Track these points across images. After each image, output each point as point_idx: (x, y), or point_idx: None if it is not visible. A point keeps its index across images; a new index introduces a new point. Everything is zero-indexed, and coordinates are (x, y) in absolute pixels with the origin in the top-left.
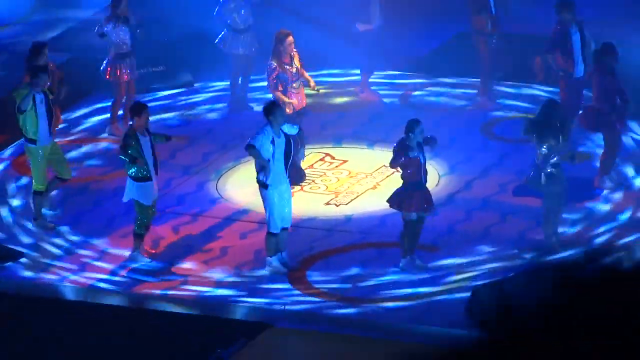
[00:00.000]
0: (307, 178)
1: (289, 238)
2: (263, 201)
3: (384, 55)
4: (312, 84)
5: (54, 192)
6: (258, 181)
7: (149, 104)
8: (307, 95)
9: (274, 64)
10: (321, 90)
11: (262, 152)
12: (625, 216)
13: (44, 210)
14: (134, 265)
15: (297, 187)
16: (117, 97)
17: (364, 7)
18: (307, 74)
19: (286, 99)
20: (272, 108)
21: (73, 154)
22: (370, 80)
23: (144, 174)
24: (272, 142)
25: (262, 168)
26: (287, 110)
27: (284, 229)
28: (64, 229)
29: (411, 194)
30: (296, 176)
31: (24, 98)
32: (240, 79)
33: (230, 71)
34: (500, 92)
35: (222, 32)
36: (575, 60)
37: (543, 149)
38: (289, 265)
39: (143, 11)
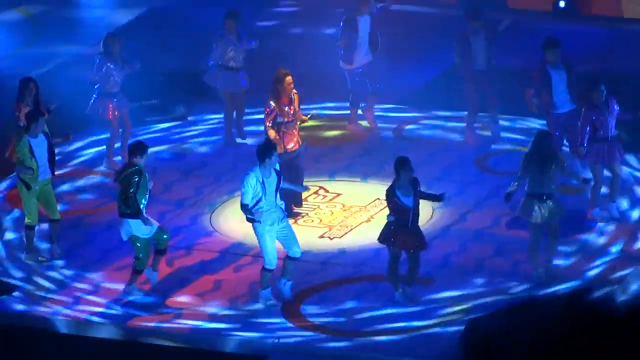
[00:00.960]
0: (300, 211)
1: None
2: (256, 236)
3: (369, 91)
4: (303, 117)
5: (46, 225)
6: (248, 220)
7: (143, 137)
8: (301, 128)
9: (273, 104)
10: (314, 112)
11: (252, 195)
12: (617, 249)
13: (40, 243)
14: (129, 299)
15: (290, 220)
16: (112, 132)
17: (350, 49)
18: (300, 113)
19: (278, 138)
20: (267, 150)
21: (66, 187)
22: (359, 113)
23: (135, 209)
24: (262, 183)
25: (248, 214)
26: (278, 150)
27: (292, 259)
28: (58, 262)
29: (396, 231)
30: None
31: (24, 154)
32: (234, 114)
33: (223, 105)
34: (493, 125)
35: (209, 67)
36: (553, 97)
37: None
38: (287, 297)
39: (137, 44)
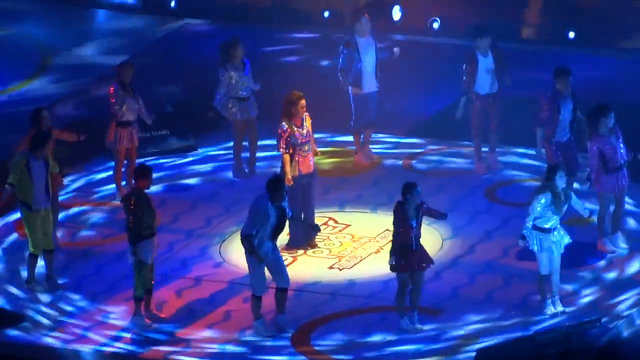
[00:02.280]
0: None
1: (293, 302)
2: (248, 265)
3: (367, 123)
4: (314, 148)
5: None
6: (250, 252)
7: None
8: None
9: (286, 125)
10: (319, 153)
11: (260, 225)
12: (627, 278)
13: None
14: (136, 329)
15: (300, 251)
16: (118, 163)
17: (356, 73)
18: (313, 141)
19: (289, 169)
20: (276, 185)
21: (75, 217)
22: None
23: (145, 232)
24: (269, 214)
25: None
26: (294, 172)
27: (281, 290)
28: (68, 293)
29: (402, 255)
30: (309, 232)
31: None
32: (248, 143)
33: (233, 135)
34: (504, 155)
35: (218, 96)
36: (557, 127)
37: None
38: (285, 329)
39: (147, 73)
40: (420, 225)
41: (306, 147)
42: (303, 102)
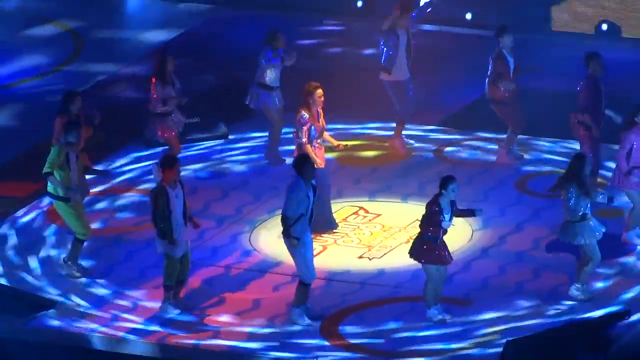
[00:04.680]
0: (340, 231)
1: (322, 291)
2: (292, 255)
3: (412, 106)
4: (335, 143)
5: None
6: (288, 235)
7: (183, 155)
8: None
9: (307, 115)
10: (348, 144)
11: (299, 207)
12: None
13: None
14: (166, 316)
15: (330, 240)
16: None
17: (390, 61)
18: (327, 134)
19: (314, 156)
20: (304, 162)
21: (105, 204)
22: (404, 133)
23: (160, 229)
24: (307, 195)
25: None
26: (319, 165)
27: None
28: (98, 279)
29: (430, 247)
30: (325, 224)
31: (55, 158)
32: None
33: (269, 124)
34: (534, 146)
35: (251, 90)
36: (601, 117)
37: (569, 201)
38: (315, 315)
39: (178, 61)
40: (450, 221)
41: (320, 140)
42: (320, 91)
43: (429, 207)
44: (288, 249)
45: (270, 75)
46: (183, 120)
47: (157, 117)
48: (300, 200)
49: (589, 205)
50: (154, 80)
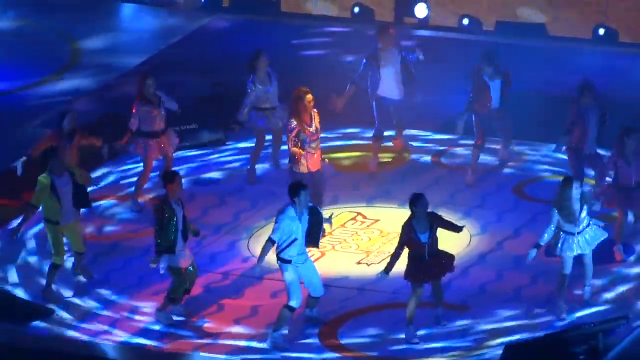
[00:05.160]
0: (338, 236)
1: (321, 297)
2: (283, 276)
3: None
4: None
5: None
6: (280, 258)
7: (180, 162)
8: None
9: (295, 122)
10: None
11: (288, 232)
12: None
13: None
14: (158, 324)
15: (328, 246)
16: (145, 170)
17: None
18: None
19: (302, 152)
20: (298, 189)
21: (103, 211)
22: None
23: (172, 243)
24: (300, 220)
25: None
26: (302, 169)
27: (314, 298)
28: (95, 286)
29: (417, 266)
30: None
31: (39, 192)
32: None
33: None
34: (532, 151)
35: (245, 108)
36: (587, 138)
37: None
38: (321, 320)
39: (177, 68)
40: (434, 239)
41: (314, 145)
42: (309, 97)
43: (403, 229)
44: (280, 270)
45: (265, 99)
46: (176, 142)
47: (140, 135)
48: (287, 228)
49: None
50: (136, 100)
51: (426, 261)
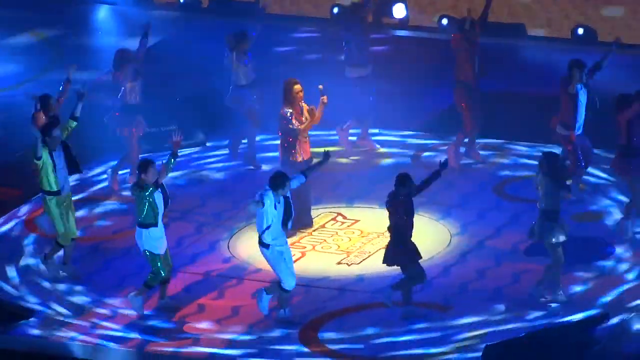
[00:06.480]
0: (318, 237)
1: (301, 297)
2: (270, 263)
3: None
4: (323, 98)
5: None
6: (261, 242)
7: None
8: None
9: (290, 110)
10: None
11: (267, 216)
12: (635, 275)
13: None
14: (132, 308)
15: (309, 246)
16: (131, 151)
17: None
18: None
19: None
20: (279, 180)
21: (83, 212)
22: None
23: (150, 220)
24: (275, 207)
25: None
26: (298, 158)
27: (285, 290)
28: (77, 288)
29: (400, 249)
30: (307, 220)
31: (36, 147)
32: (247, 138)
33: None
34: (514, 151)
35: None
36: (578, 118)
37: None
38: (294, 321)
39: (155, 68)
40: (412, 213)
41: (305, 134)
42: (297, 87)
43: (400, 207)
44: (264, 256)
45: (243, 75)
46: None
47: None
48: (269, 209)
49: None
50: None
51: (411, 241)
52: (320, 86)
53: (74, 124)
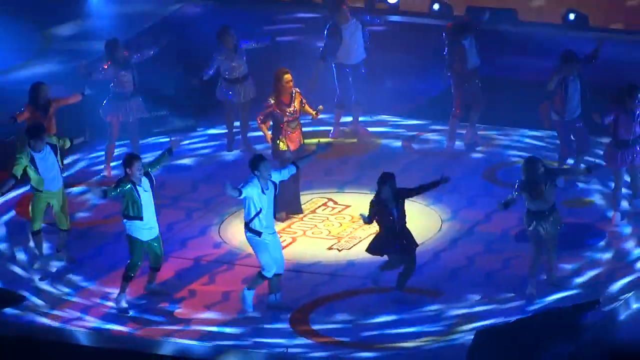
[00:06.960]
0: (309, 222)
1: (292, 282)
2: (254, 249)
3: (353, 100)
4: (311, 112)
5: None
6: (249, 229)
7: (151, 149)
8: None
9: (272, 101)
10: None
11: (254, 202)
12: (623, 260)
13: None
14: (119, 307)
15: (299, 232)
16: (111, 138)
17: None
18: (309, 109)
19: (268, 134)
20: (257, 162)
21: (74, 198)
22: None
23: (134, 214)
24: (263, 192)
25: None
26: (283, 147)
27: (277, 275)
28: (68, 273)
29: (388, 238)
30: (297, 206)
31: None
32: (239, 125)
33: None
34: (502, 136)
35: (207, 71)
36: (567, 105)
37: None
38: (285, 306)
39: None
40: (403, 213)
41: (294, 124)
42: (287, 77)
43: (375, 204)
44: (248, 242)
45: (230, 69)
46: (139, 108)
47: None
48: (255, 195)
49: (550, 201)
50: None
51: (395, 233)
52: (321, 107)
53: (69, 144)
